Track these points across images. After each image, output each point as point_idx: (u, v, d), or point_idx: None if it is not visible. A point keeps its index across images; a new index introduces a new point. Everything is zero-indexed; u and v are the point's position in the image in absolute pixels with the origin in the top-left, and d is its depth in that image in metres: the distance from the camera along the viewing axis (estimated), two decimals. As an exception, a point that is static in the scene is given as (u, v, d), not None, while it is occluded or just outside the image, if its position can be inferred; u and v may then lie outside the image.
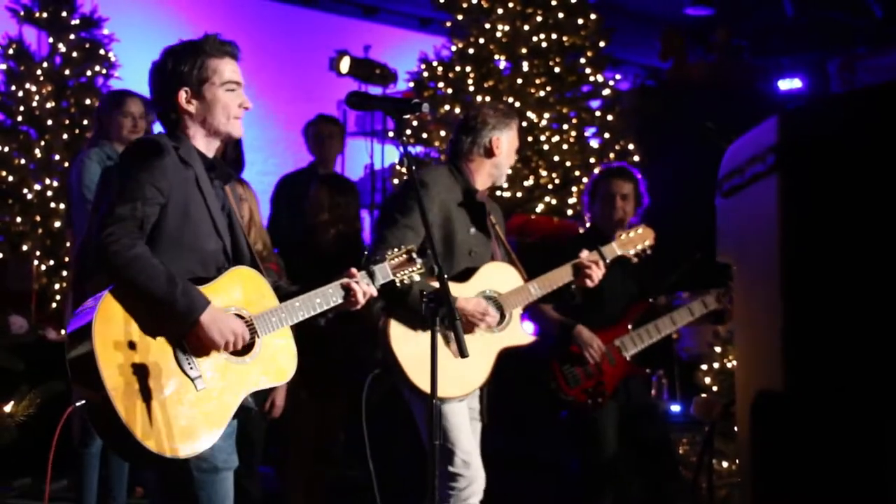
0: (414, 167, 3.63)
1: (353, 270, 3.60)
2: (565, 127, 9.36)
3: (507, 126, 4.65)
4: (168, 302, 3.17)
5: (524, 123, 9.18)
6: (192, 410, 3.23)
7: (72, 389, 5.34)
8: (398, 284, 3.74)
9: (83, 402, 3.13)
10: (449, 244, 4.49)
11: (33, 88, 8.36)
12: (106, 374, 3.09)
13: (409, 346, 4.31)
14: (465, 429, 4.45)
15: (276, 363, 3.46)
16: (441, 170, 4.64)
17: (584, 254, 4.70)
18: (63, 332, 7.18)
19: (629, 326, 5.32)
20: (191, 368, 3.25)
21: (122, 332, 3.16)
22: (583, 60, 9.57)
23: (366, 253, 3.76)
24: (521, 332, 4.63)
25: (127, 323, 3.18)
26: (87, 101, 8.44)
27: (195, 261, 3.37)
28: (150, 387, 3.15)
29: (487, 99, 9.20)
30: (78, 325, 3.18)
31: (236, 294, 3.40)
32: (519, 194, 9.09)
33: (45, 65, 8.49)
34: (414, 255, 3.75)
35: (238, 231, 3.57)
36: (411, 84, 9.61)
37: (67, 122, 8.39)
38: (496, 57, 9.36)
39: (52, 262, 8.09)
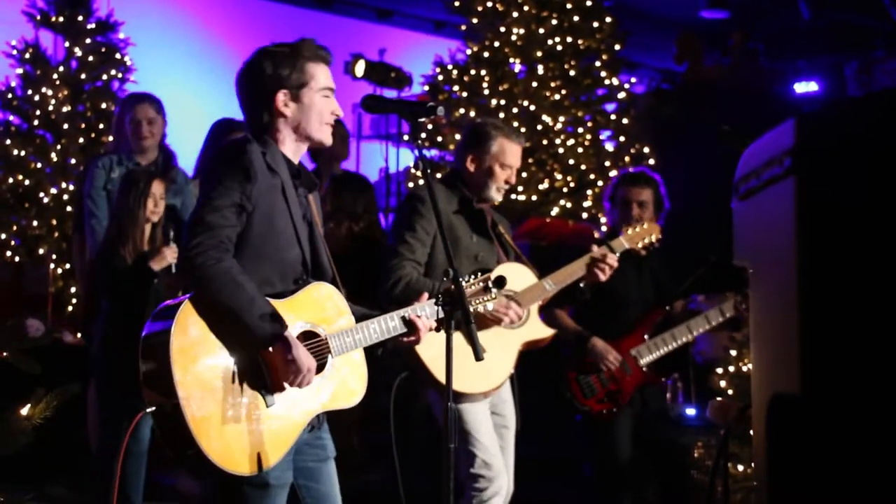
0: (428, 170, 3.63)
1: (425, 295, 3.57)
2: (580, 130, 9.36)
3: (490, 139, 4.66)
4: (244, 324, 3.11)
5: (539, 127, 9.19)
6: (260, 427, 3.17)
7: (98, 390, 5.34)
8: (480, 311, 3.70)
9: (153, 408, 3.09)
10: (454, 250, 4.52)
11: (49, 92, 8.40)
12: (179, 383, 3.03)
13: (431, 346, 4.32)
14: (484, 429, 4.48)
15: (346, 384, 3.41)
16: (435, 183, 4.69)
17: (595, 249, 4.73)
18: (79, 335, 7.20)
19: (645, 336, 5.31)
20: (265, 384, 3.19)
21: (200, 342, 3.11)
22: (598, 64, 9.56)
23: (443, 278, 3.71)
24: (541, 327, 4.69)
25: (205, 333, 3.12)
26: (103, 106, 8.47)
27: (274, 271, 3.31)
28: (221, 400, 3.10)
29: (503, 102, 9.21)
30: (156, 329, 3.12)
31: (315, 311, 3.34)
32: (534, 198, 9.08)
33: (61, 69, 8.53)
34: (490, 285, 3.67)
35: (318, 242, 3.50)
36: (426, 87, 9.61)
37: (83, 126, 8.42)
38: (511, 60, 9.36)
39: (68, 266, 8.11)
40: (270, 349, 3.16)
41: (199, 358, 3.10)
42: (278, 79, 3.36)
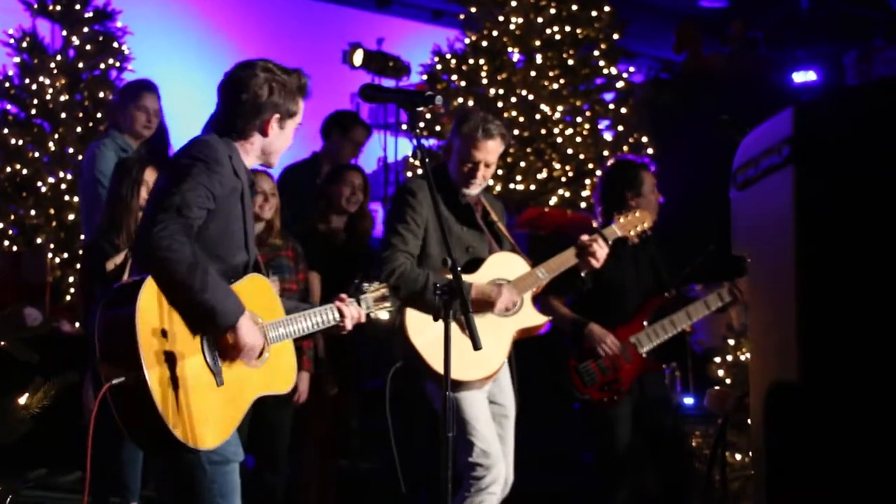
0: (427, 160, 3.64)
1: (344, 296, 3.73)
2: (579, 120, 9.35)
3: (456, 133, 4.64)
4: (209, 305, 3.20)
5: (537, 116, 9.19)
6: (213, 403, 3.28)
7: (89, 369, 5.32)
8: (372, 317, 3.83)
9: (121, 379, 3.11)
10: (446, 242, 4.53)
11: (47, 81, 8.38)
12: (145, 358, 3.10)
13: (425, 335, 4.35)
14: (482, 418, 4.49)
15: (280, 371, 3.55)
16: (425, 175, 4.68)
17: (585, 236, 4.72)
18: (77, 324, 7.20)
19: (644, 323, 5.30)
20: (214, 363, 3.29)
21: (161, 317, 3.18)
22: (596, 53, 9.56)
23: (355, 281, 3.84)
24: (535, 315, 4.69)
25: (167, 311, 3.21)
26: (101, 94, 8.45)
27: (221, 271, 3.36)
28: (179, 375, 3.18)
29: (501, 92, 9.20)
30: (117, 305, 3.18)
31: (252, 301, 3.42)
32: (532, 187, 9.09)
33: (58, 58, 8.51)
34: (388, 294, 3.88)
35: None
36: (424, 77, 9.61)
37: (81, 115, 8.40)
38: (509, 49, 9.36)
39: (66, 255, 8.11)
40: (236, 325, 3.26)
41: (160, 332, 3.17)
42: (276, 104, 3.48)
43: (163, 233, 3.15)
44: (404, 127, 10.40)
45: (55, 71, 8.43)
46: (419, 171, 8.65)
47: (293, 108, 3.53)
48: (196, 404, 3.22)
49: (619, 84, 9.61)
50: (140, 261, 3.33)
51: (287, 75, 3.53)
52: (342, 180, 5.86)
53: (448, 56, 9.47)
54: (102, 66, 8.61)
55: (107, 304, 3.23)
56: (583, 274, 4.75)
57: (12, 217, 8.22)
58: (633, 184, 5.36)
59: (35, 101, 8.36)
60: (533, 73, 9.27)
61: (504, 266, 4.65)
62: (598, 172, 8.77)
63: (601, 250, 4.69)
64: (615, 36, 9.61)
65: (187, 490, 3.37)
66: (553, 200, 9.03)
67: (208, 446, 3.26)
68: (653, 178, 5.45)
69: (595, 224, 5.38)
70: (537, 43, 9.34)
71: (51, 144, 8.33)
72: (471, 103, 9.07)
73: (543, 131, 9.20)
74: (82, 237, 7.16)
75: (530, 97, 9.20)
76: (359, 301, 3.76)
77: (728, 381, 5.65)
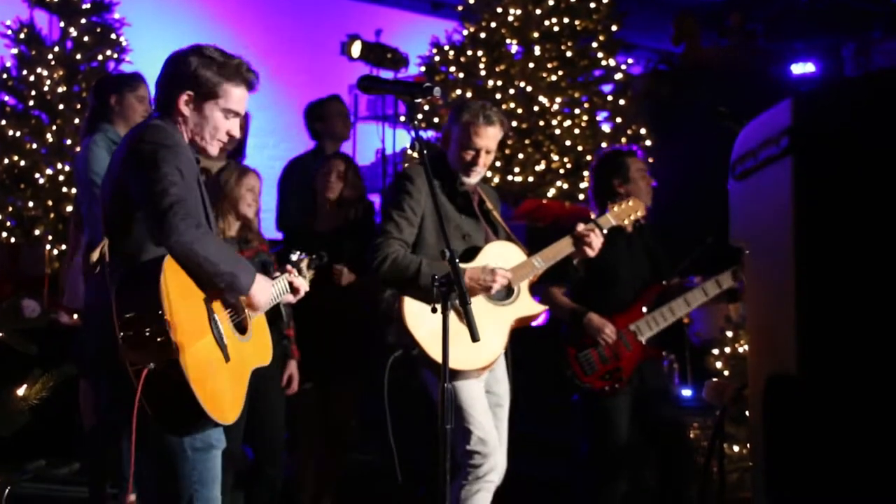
0: (425, 151, 3.63)
1: (290, 267, 3.88)
2: (577, 111, 9.34)
3: (456, 121, 4.64)
4: (233, 275, 3.32)
5: (535, 108, 9.18)
6: (226, 378, 3.35)
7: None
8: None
9: (152, 365, 3.13)
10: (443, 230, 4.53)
11: (45, 73, 8.38)
12: (174, 338, 3.13)
13: (425, 324, 4.34)
14: (479, 407, 4.49)
15: (262, 344, 3.63)
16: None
17: (581, 225, 4.73)
18: (75, 316, 7.20)
19: (644, 310, 5.31)
20: (221, 339, 3.35)
21: (179, 299, 3.22)
22: (595, 45, 9.54)
23: (291, 255, 4.03)
24: (532, 303, 4.69)
25: (185, 292, 3.26)
26: (99, 86, 8.45)
27: None
28: (200, 353, 3.23)
29: (499, 83, 9.19)
30: (139, 292, 3.20)
31: None
32: (530, 179, 9.08)
33: (56, 49, 8.51)
34: (311, 261, 4.12)
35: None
36: (423, 68, 9.60)
37: (79, 106, 8.40)
38: (508, 41, 9.34)
39: (64, 247, 8.11)
40: (255, 287, 3.43)
41: (183, 316, 3.20)
42: (189, 79, 3.47)
43: (177, 218, 3.20)
44: (402, 119, 10.40)
45: (53, 62, 8.43)
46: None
47: (213, 91, 3.48)
48: (216, 380, 3.28)
49: (618, 76, 9.60)
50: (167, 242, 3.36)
51: (223, 58, 3.51)
52: (324, 168, 5.91)
53: (446, 48, 9.47)
54: (100, 57, 8.62)
55: (121, 290, 3.24)
56: (575, 262, 4.76)
57: (10, 209, 8.23)
58: (619, 171, 5.40)
59: (33, 93, 8.37)
60: (531, 65, 9.26)
61: (500, 255, 4.65)
62: (596, 165, 8.82)
63: (597, 239, 4.70)
64: (613, 27, 9.60)
65: (166, 476, 3.37)
66: (551, 192, 9.03)
67: (230, 420, 3.32)
68: (640, 163, 5.47)
69: (593, 215, 5.38)
70: (536, 34, 9.33)
71: (49, 136, 8.33)
72: (469, 95, 9.06)
73: (542, 123, 9.20)
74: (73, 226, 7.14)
75: (529, 89, 9.20)
76: (300, 272, 3.94)
77: (726, 372, 5.66)
